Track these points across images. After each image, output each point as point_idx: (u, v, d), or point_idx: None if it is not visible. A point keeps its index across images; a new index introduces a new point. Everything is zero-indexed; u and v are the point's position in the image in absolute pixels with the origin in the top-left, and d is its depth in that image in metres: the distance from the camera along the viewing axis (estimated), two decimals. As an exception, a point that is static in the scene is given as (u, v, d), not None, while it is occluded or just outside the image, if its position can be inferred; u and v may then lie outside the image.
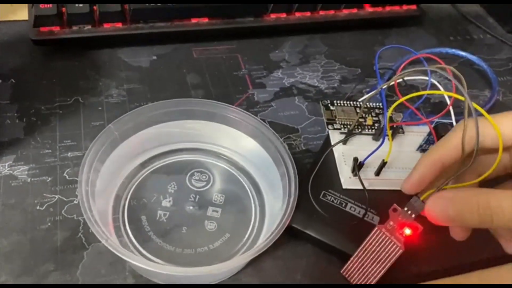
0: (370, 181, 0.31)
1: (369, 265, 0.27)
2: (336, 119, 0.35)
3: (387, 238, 0.26)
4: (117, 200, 0.31)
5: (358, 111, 0.35)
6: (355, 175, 0.31)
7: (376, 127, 0.34)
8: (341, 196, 0.31)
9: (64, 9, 0.39)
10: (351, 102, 0.36)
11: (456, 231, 0.26)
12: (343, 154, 0.33)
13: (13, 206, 0.30)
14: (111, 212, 0.30)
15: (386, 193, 0.31)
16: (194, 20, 0.43)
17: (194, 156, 0.34)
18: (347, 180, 0.31)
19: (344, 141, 0.33)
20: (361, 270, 0.27)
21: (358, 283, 0.28)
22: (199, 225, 0.30)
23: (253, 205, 0.32)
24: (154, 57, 0.42)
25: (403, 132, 0.35)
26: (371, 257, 0.27)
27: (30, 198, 0.31)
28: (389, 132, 0.31)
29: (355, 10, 0.47)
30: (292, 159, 0.30)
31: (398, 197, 0.26)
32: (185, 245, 0.29)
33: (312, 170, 0.32)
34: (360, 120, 0.35)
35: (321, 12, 0.46)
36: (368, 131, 0.34)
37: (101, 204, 0.29)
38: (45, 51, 0.41)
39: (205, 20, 0.43)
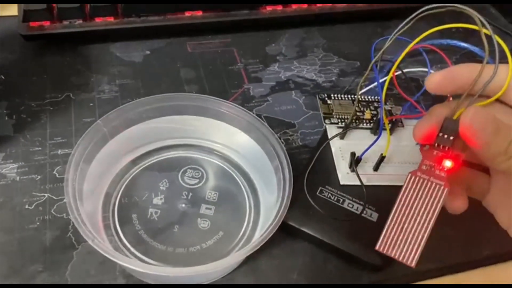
0: (368, 176, 0.30)
1: (408, 229, 0.22)
2: (333, 113, 0.34)
3: (425, 181, 0.22)
4: (107, 198, 0.30)
5: (354, 103, 0.34)
6: (352, 170, 0.30)
7: (374, 121, 0.33)
8: (338, 192, 0.30)
9: (54, 4, 0.39)
10: (349, 96, 0.35)
11: (456, 203, 0.25)
12: (341, 149, 0.32)
13: (1, 205, 0.30)
14: (101, 211, 0.29)
15: (384, 188, 0.30)
16: (188, 14, 0.42)
17: (187, 153, 0.33)
18: (345, 176, 0.30)
19: (342, 136, 0.32)
20: (401, 239, 0.22)
21: (402, 257, 0.22)
22: (192, 223, 0.29)
23: (247, 203, 0.31)
24: (147, 52, 0.41)
25: (403, 126, 0.34)
26: (410, 216, 0.22)
27: (18, 196, 0.30)
28: (387, 126, 0.30)
29: (353, 2, 0.46)
30: (286, 154, 0.29)
31: (397, 193, 0.25)
32: (177, 244, 0.28)
33: (308, 166, 0.31)
34: (358, 113, 0.34)
35: (319, 4, 0.45)
36: (366, 125, 0.33)
37: (90, 203, 0.28)
38: (35, 47, 0.40)
39: (199, 13, 0.42)
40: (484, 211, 0.31)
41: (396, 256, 0.22)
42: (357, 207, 0.29)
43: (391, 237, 0.22)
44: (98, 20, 0.40)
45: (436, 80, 0.23)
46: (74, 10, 0.39)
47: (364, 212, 0.29)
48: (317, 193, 0.30)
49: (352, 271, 0.29)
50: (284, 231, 0.29)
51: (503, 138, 0.20)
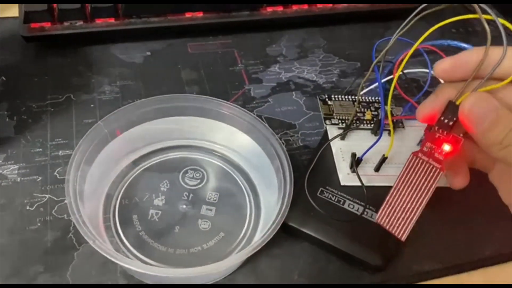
0: (369, 177, 0.30)
1: (404, 205, 0.24)
2: (334, 114, 0.34)
3: (424, 163, 0.23)
4: (108, 200, 0.30)
5: (355, 104, 0.34)
6: (353, 171, 0.30)
7: (374, 121, 0.33)
8: (339, 193, 0.30)
9: (55, 5, 0.39)
10: (349, 97, 0.35)
11: (457, 179, 0.24)
12: (341, 150, 0.32)
13: (2, 206, 0.30)
14: (102, 212, 0.29)
15: (385, 189, 0.29)
16: (188, 15, 0.42)
17: (188, 154, 0.33)
18: (345, 177, 0.30)
19: (342, 136, 0.32)
20: (396, 213, 0.24)
21: (395, 230, 0.24)
22: (192, 224, 0.29)
23: (248, 203, 0.31)
24: (148, 53, 0.41)
25: (403, 127, 0.34)
26: (406, 193, 0.23)
27: (19, 198, 0.30)
28: (391, 126, 0.30)
29: (354, 3, 0.46)
30: (287, 155, 0.29)
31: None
32: (178, 245, 0.28)
33: (309, 167, 0.31)
34: (359, 114, 0.34)
35: (319, 5, 0.45)
36: (367, 125, 0.33)
37: (91, 204, 0.28)
38: (36, 48, 0.40)
39: (200, 14, 0.42)
40: (485, 212, 0.32)
41: (390, 229, 0.24)
42: (358, 208, 0.29)
43: (388, 211, 0.24)
44: (98, 21, 0.40)
45: (444, 67, 0.23)
46: (75, 12, 0.39)
47: (365, 213, 0.29)
48: (318, 193, 0.30)
49: (353, 271, 0.29)
50: (285, 232, 0.29)
51: (501, 129, 0.20)
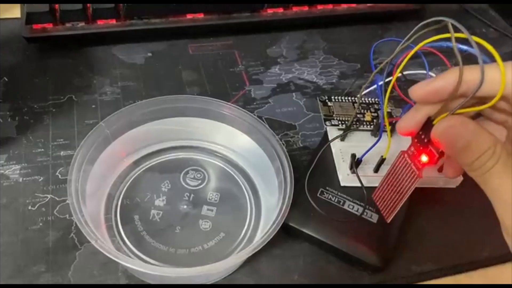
0: (368, 178, 0.30)
1: (392, 192, 0.26)
2: (334, 115, 0.34)
3: (408, 164, 0.24)
4: (109, 200, 0.30)
5: (355, 106, 0.34)
6: (353, 172, 0.30)
7: (374, 123, 0.33)
8: (339, 193, 0.30)
9: (56, 6, 0.39)
10: (349, 98, 0.35)
11: (449, 170, 0.25)
12: (341, 151, 0.32)
13: (5, 206, 0.30)
14: (104, 212, 0.29)
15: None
16: (189, 16, 0.42)
17: (189, 154, 0.33)
18: (345, 177, 0.31)
19: (342, 137, 0.32)
20: (386, 196, 0.26)
21: (383, 211, 0.27)
22: (193, 225, 0.29)
23: (248, 204, 0.31)
24: (149, 54, 0.41)
25: (403, 128, 0.34)
26: (394, 183, 0.25)
27: (21, 198, 0.30)
28: (388, 128, 0.30)
29: (354, 4, 0.46)
30: (287, 156, 0.29)
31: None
32: (179, 245, 0.28)
33: (309, 167, 0.31)
34: (359, 115, 0.34)
35: (319, 7, 0.45)
36: (367, 127, 0.33)
37: (93, 204, 0.28)
38: (38, 49, 0.40)
39: (201, 15, 0.42)
40: (483, 213, 0.32)
41: (381, 210, 0.27)
42: (358, 209, 0.30)
43: (381, 193, 0.27)
44: (100, 22, 0.40)
45: (419, 94, 0.23)
46: (77, 13, 0.39)
47: (365, 213, 0.29)
48: (318, 194, 0.30)
49: (352, 272, 0.29)
50: (285, 232, 0.29)
51: (471, 154, 0.20)
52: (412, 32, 0.24)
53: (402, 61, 0.26)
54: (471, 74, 0.21)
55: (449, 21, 0.21)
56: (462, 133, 0.21)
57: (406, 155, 0.24)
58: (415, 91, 0.23)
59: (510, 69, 0.21)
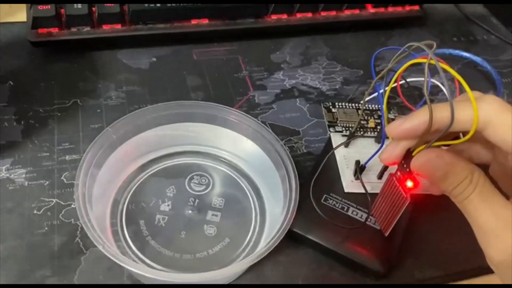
0: (372, 184, 0.30)
1: (386, 208, 0.27)
2: (338, 122, 0.34)
3: (396, 187, 0.25)
4: (115, 204, 0.30)
5: (359, 113, 0.35)
6: (357, 178, 0.31)
7: (378, 130, 0.34)
8: (343, 200, 0.30)
9: (62, 11, 0.39)
10: (353, 104, 0.36)
11: (434, 189, 0.25)
12: (345, 157, 0.32)
13: (10, 210, 0.30)
14: (109, 217, 0.29)
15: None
16: (194, 21, 0.42)
17: (194, 159, 0.33)
18: (349, 184, 0.31)
19: (346, 144, 0.33)
20: (382, 212, 0.27)
21: (381, 224, 0.28)
22: (198, 230, 0.30)
23: (253, 209, 0.31)
24: (154, 59, 0.42)
25: (406, 135, 0.34)
26: (387, 201, 0.26)
27: (27, 202, 0.30)
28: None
29: (357, 11, 0.47)
30: (292, 162, 0.29)
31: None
32: (184, 250, 0.29)
33: (314, 174, 0.31)
34: (362, 122, 0.34)
35: (323, 13, 0.46)
36: (371, 133, 0.34)
37: (98, 208, 0.28)
38: (43, 53, 0.40)
39: (205, 21, 0.43)
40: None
41: (379, 223, 0.28)
42: (362, 215, 0.30)
43: (378, 208, 0.28)
44: (105, 27, 0.40)
45: (394, 134, 0.24)
46: (82, 17, 0.39)
47: (368, 219, 0.29)
48: (322, 200, 0.30)
49: (356, 278, 0.29)
50: (289, 238, 0.29)
51: (448, 184, 0.22)
52: (399, 52, 0.25)
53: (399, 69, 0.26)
54: (440, 112, 0.22)
55: (429, 55, 0.22)
56: (438, 165, 0.22)
57: (394, 178, 0.25)
58: (390, 131, 0.24)
59: (484, 105, 0.21)
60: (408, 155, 0.24)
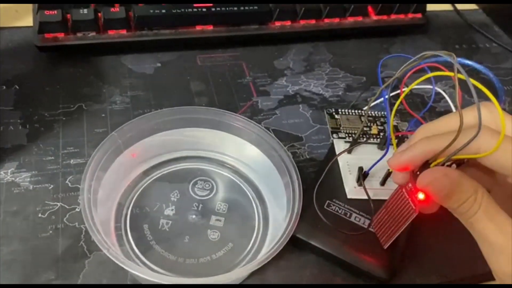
0: (375, 191, 0.31)
1: (390, 221, 0.27)
2: (341, 128, 0.35)
3: (406, 199, 0.25)
4: (119, 208, 0.30)
5: (362, 119, 0.35)
6: (360, 184, 0.31)
7: (381, 136, 0.34)
8: (346, 206, 0.31)
9: (68, 16, 0.39)
10: (356, 111, 0.36)
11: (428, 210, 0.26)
12: (348, 164, 0.32)
13: (15, 214, 0.30)
14: (113, 221, 0.30)
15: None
16: (198, 28, 0.43)
17: (198, 165, 0.34)
18: (352, 190, 0.31)
19: (349, 150, 0.33)
20: (383, 225, 0.27)
21: (380, 237, 0.28)
22: (202, 235, 0.30)
23: (256, 215, 0.31)
24: (158, 64, 0.42)
25: (409, 142, 0.34)
26: (392, 214, 0.26)
27: (32, 205, 0.31)
28: (394, 141, 0.30)
29: (360, 18, 0.47)
30: (296, 168, 0.29)
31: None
32: (188, 254, 0.29)
33: (317, 180, 0.31)
34: (365, 129, 0.34)
35: (326, 20, 0.46)
36: (373, 140, 0.34)
37: (103, 212, 0.28)
38: (49, 58, 0.41)
39: (210, 27, 0.43)
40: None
41: (379, 236, 0.28)
42: (364, 221, 0.30)
43: (379, 221, 0.28)
44: (111, 32, 0.41)
45: (394, 166, 0.24)
46: (88, 23, 0.40)
47: (371, 226, 0.30)
48: (325, 206, 0.30)
49: (358, 284, 0.29)
50: (292, 244, 0.29)
51: (453, 202, 0.22)
52: (411, 60, 0.25)
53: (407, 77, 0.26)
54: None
55: (455, 66, 0.22)
56: (444, 184, 0.22)
57: (404, 190, 0.25)
58: (391, 165, 0.25)
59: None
60: (425, 166, 0.24)
